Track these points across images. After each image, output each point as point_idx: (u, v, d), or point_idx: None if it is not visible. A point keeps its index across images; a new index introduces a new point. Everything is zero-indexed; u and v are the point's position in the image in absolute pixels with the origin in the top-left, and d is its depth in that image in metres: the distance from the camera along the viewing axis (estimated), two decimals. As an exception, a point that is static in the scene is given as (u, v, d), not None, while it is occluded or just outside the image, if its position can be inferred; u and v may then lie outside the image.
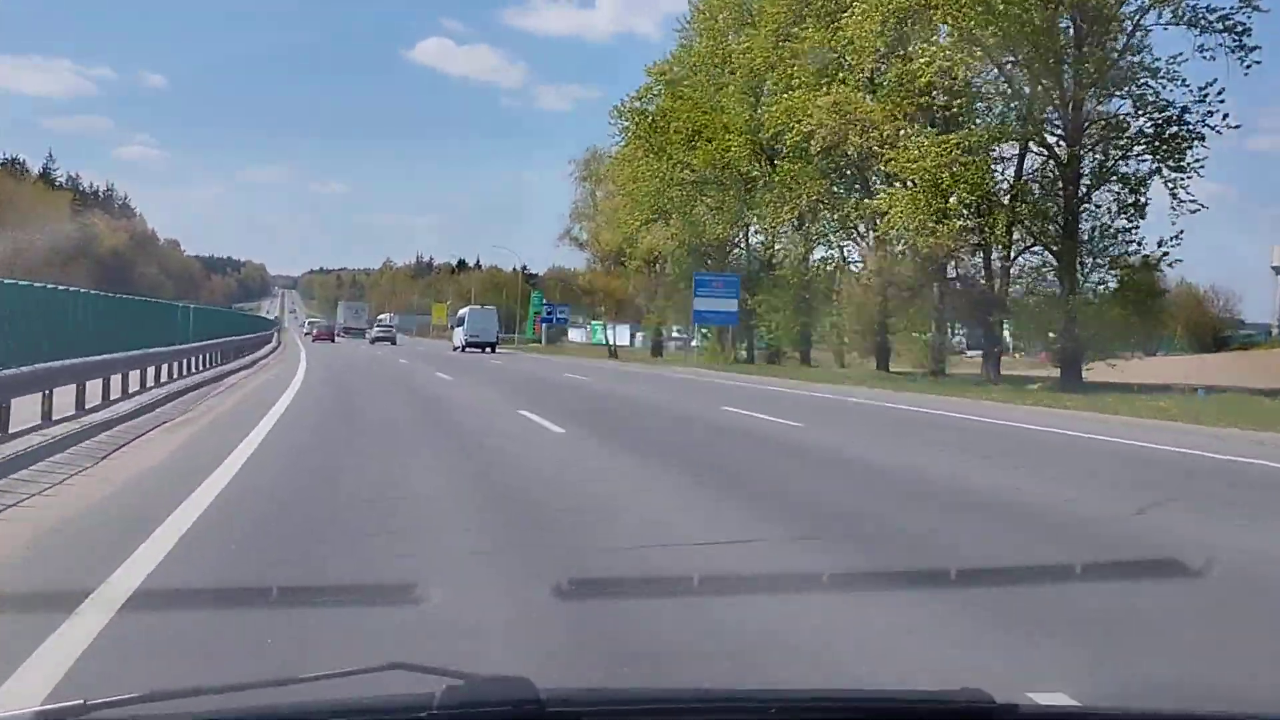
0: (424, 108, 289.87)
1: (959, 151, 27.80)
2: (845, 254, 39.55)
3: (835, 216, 37.48)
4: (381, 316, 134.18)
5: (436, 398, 19.32)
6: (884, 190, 32.12)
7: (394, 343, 64.86)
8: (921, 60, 27.80)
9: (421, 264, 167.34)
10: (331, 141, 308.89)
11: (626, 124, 44.71)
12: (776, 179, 36.69)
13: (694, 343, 48.17)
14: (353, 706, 1.61)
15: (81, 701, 1.57)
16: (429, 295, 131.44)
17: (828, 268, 39.53)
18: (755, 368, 38.34)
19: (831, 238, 39.33)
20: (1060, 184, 29.19)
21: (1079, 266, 28.81)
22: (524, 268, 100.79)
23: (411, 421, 14.39)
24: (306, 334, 76.37)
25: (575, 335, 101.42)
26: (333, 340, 67.30)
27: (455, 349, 54.76)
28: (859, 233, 37.78)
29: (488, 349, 54.02)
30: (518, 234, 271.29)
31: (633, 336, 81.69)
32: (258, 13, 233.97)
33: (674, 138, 40.56)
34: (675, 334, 56.96)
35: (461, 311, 60.98)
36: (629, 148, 45.02)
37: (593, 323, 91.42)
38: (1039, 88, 28.64)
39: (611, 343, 64.05)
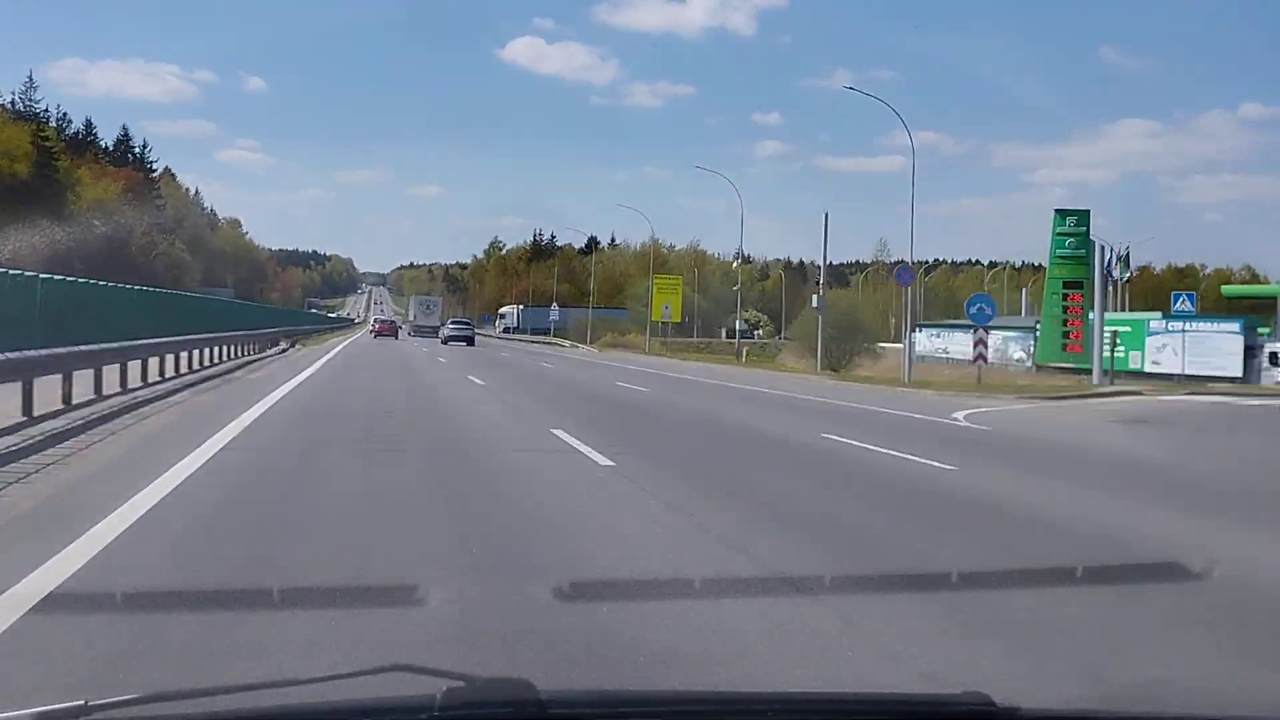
0: (514, 106, 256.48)
1: None
2: None
3: None
4: (504, 310, 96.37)
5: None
6: None
7: (471, 343, 53.11)
8: None
9: (540, 245, 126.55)
10: (426, 143, 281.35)
11: None
12: None
13: None
14: (355, 707, 1.60)
15: (83, 702, 1.53)
16: (562, 280, 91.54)
17: None
18: None
19: None
20: None
21: None
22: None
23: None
24: (370, 330, 69.06)
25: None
26: (395, 336, 61.96)
27: None
28: None
29: None
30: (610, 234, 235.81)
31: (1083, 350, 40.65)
32: (350, 16, 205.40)
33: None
34: None
35: None
36: None
37: (931, 326, 50.80)
38: None
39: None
